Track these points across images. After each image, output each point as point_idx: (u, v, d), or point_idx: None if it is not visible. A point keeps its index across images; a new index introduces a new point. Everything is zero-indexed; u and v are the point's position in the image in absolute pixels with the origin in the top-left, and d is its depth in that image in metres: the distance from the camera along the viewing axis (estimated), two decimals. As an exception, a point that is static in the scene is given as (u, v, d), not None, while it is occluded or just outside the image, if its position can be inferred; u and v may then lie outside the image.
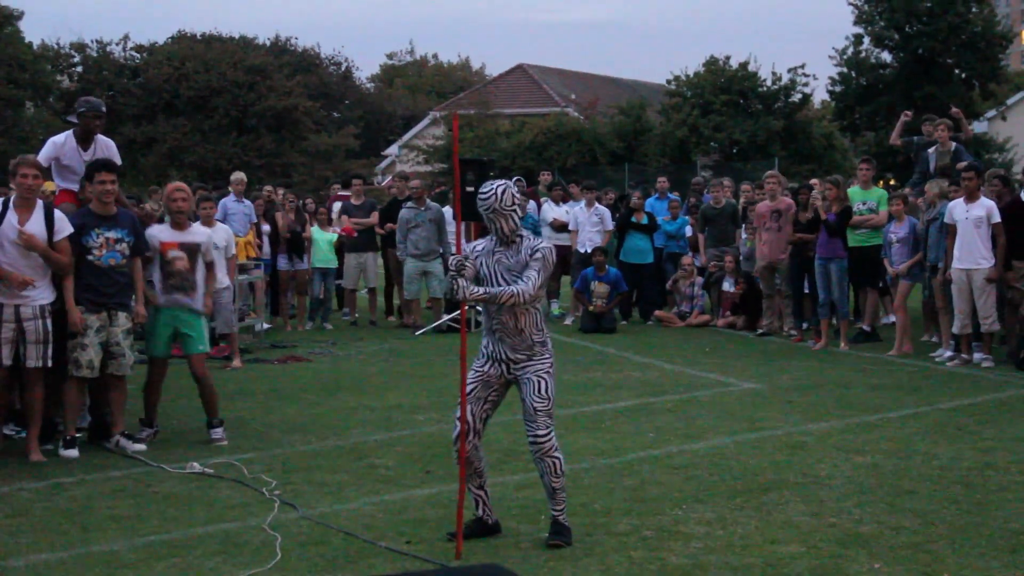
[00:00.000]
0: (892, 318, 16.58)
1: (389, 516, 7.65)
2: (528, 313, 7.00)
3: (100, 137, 10.76)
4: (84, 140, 10.62)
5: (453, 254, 6.95)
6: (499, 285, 6.95)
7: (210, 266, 10.53)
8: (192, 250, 10.29)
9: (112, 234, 9.70)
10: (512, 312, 6.96)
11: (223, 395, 12.22)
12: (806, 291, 16.52)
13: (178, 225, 10.35)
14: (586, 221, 19.03)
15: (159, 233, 10.31)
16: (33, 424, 9.55)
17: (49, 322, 9.45)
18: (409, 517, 7.62)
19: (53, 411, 10.14)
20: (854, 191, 16.35)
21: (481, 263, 7.06)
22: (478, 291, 6.81)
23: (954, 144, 16.45)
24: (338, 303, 20.81)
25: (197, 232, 10.57)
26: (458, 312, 17.93)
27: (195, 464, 9.11)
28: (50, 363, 9.49)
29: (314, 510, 7.80)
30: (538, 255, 6.97)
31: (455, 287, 6.79)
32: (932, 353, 14.61)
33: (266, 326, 17.51)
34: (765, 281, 17.13)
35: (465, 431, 7.01)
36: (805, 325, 16.76)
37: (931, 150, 16.68)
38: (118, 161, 10.47)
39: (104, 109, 10.94)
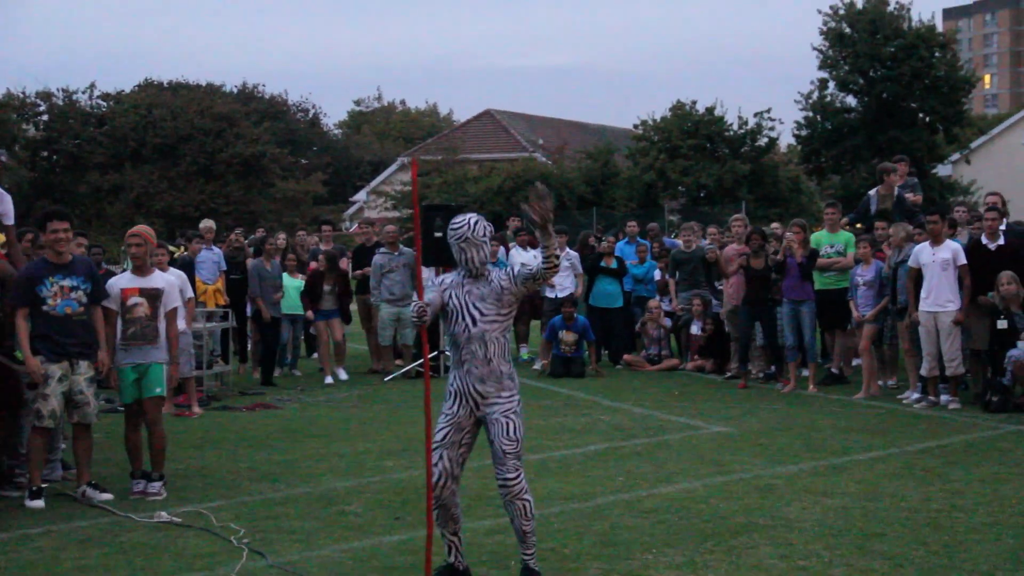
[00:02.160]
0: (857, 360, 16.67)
1: (359, 563, 7.61)
2: (497, 343, 7.02)
3: None
4: None
5: (416, 301, 6.95)
6: (471, 316, 6.97)
7: (172, 313, 10.38)
8: (153, 296, 10.15)
9: (67, 282, 9.60)
10: (482, 341, 6.97)
11: (190, 444, 12.24)
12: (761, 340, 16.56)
13: (138, 270, 10.24)
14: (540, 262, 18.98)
15: (119, 281, 10.20)
16: None
17: None
18: (379, 564, 7.58)
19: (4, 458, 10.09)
20: (821, 235, 16.48)
21: (451, 295, 7.07)
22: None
23: (898, 190, 16.58)
24: (307, 350, 20.74)
25: (160, 278, 10.41)
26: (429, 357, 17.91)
27: (163, 513, 9.04)
28: None
29: (283, 558, 7.76)
30: (522, 270, 7.03)
31: (416, 306, 6.88)
32: (900, 395, 14.67)
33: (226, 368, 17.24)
34: (732, 324, 17.17)
35: (431, 472, 7.00)
36: (770, 370, 16.82)
37: (873, 191, 16.82)
38: (10, 217, 10.25)
39: (4, 157, 10.83)
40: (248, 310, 18.08)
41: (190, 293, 13.84)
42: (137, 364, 9.99)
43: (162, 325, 10.19)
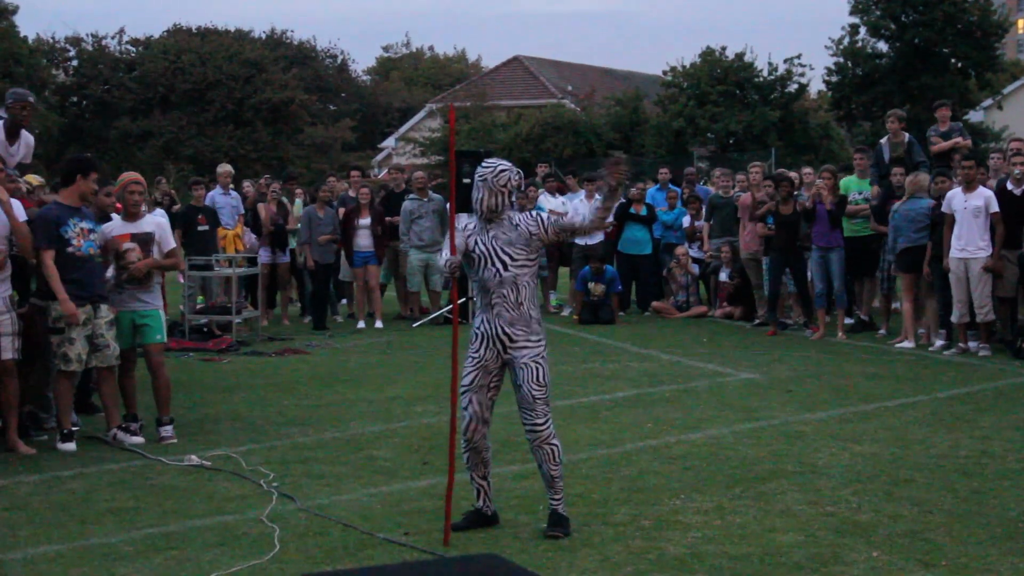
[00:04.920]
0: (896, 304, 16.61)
1: (387, 507, 7.65)
2: (528, 287, 7.01)
3: (24, 132, 10.68)
4: (11, 134, 10.52)
5: (449, 257, 6.95)
6: (501, 261, 6.95)
7: (171, 254, 10.40)
8: (145, 241, 10.15)
9: (85, 224, 9.64)
10: (514, 285, 6.95)
11: (220, 388, 12.34)
12: (792, 288, 16.52)
13: (131, 216, 10.22)
14: (586, 213, 18.89)
15: (111, 227, 10.17)
16: (11, 417, 9.51)
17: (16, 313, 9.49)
18: (407, 508, 7.62)
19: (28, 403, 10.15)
20: (850, 180, 16.41)
21: (476, 241, 7.04)
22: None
23: (907, 136, 16.46)
24: (336, 296, 20.75)
25: (148, 222, 10.38)
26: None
27: (193, 457, 9.11)
28: (21, 355, 9.51)
29: (312, 502, 7.80)
30: (551, 217, 7.09)
31: (448, 263, 6.96)
32: (932, 347, 14.61)
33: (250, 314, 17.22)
34: (752, 272, 17.16)
35: (462, 417, 7.05)
36: (797, 320, 16.82)
37: (883, 140, 16.70)
38: (29, 158, 10.62)
39: (31, 99, 10.87)
40: (262, 256, 17.96)
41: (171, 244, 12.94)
42: (135, 311, 10.03)
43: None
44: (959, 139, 16.54)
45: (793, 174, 18.29)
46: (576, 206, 18.91)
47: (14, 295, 9.73)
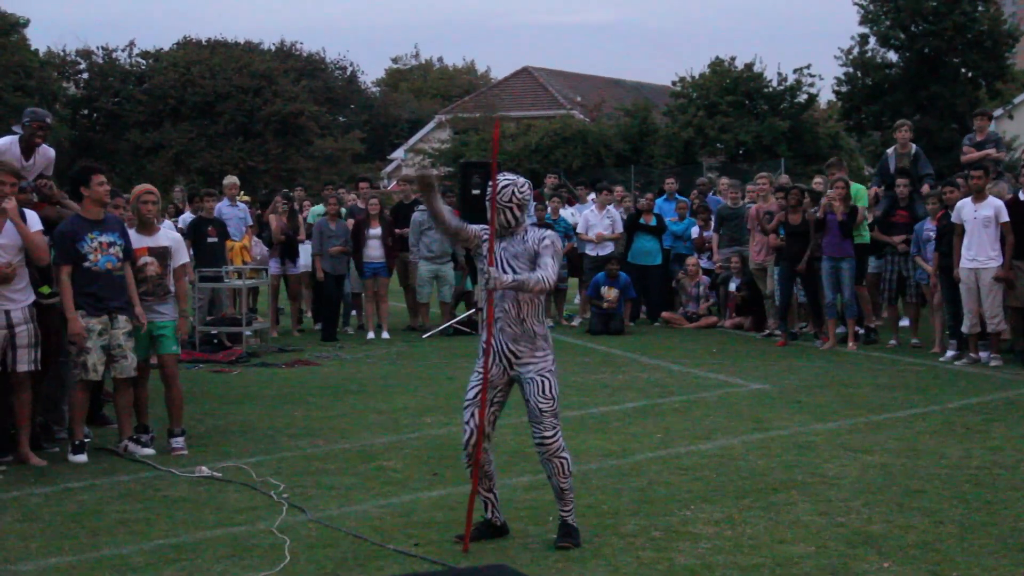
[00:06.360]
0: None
1: (397, 519, 7.65)
2: (531, 303, 6.99)
3: (43, 145, 10.73)
4: (27, 150, 10.56)
5: (489, 270, 6.85)
6: (505, 272, 6.92)
7: (180, 270, 10.37)
8: (162, 254, 10.16)
9: (104, 238, 9.63)
10: (515, 301, 6.96)
11: (231, 400, 12.33)
12: (803, 298, 16.52)
13: (146, 228, 10.21)
14: (598, 224, 18.97)
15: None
16: (24, 429, 9.51)
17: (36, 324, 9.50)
18: (417, 519, 7.62)
19: (39, 414, 10.15)
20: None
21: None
22: (507, 278, 6.78)
23: (914, 147, 16.46)
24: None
25: (165, 236, 10.38)
26: (466, 315, 18.00)
27: (204, 468, 9.11)
28: (39, 366, 9.52)
29: (322, 513, 7.80)
30: (546, 241, 6.98)
31: (488, 277, 6.72)
32: (944, 356, 14.59)
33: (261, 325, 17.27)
34: (761, 282, 17.15)
35: (476, 433, 7.02)
36: (801, 327, 16.84)
37: (890, 150, 16.70)
38: (51, 171, 10.67)
39: (49, 120, 10.91)
40: (272, 267, 18.01)
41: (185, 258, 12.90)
42: (152, 322, 10.03)
43: (171, 281, 10.23)
44: (991, 151, 16.44)
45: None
46: (587, 216, 19.08)
47: (44, 289, 9.75)
